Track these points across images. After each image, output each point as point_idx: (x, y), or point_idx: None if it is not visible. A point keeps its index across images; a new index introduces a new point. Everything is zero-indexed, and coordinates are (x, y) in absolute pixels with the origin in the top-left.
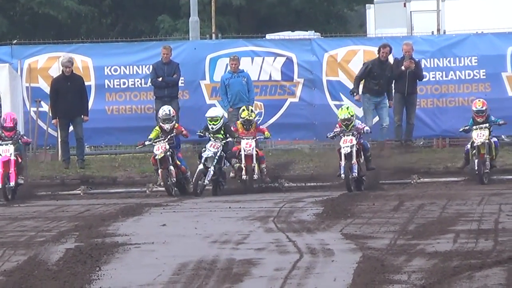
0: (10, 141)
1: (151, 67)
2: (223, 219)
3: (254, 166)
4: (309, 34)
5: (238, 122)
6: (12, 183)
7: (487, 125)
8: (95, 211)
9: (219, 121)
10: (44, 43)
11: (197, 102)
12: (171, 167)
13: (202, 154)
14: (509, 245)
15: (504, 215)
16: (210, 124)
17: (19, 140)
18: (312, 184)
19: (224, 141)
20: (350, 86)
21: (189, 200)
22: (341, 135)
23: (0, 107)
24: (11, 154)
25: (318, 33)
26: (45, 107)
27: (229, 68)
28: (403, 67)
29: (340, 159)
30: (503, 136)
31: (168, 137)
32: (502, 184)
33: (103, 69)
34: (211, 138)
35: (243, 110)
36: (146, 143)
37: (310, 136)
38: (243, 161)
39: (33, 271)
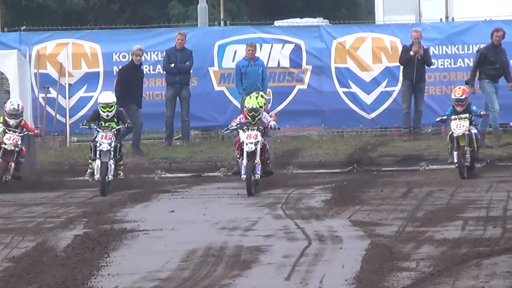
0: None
1: (164, 53)
2: (231, 205)
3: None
4: (318, 21)
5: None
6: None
7: (467, 115)
8: (103, 197)
9: (113, 107)
10: (52, 30)
11: (205, 88)
12: (12, 164)
13: (97, 149)
14: None
15: None
16: (103, 112)
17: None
18: (320, 171)
19: (115, 129)
20: (359, 73)
21: (198, 186)
22: (244, 128)
23: (8, 93)
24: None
25: (326, 20)
26: (54, 93)
27: (245, 54)
28: (411, 52)
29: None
30: (511, 123)
31: (23, 133)
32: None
33: (111, 55)
34: (99, 129)
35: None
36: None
37: (319, 123)
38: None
39: (42, 258)
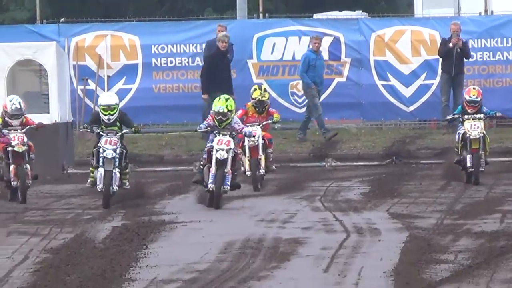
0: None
1: (204, 44)
2: (270, 197)
3: (260, 159)
4: (357, 14)
5: (249, 104)
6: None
7: (482, 116)
8: (142, 189)
9: (115, 109)
10: (91, 22)
11: (244, 81)
12: (28, 166)
13: (100, 155)
14: None
15: None
16: (105, 115)
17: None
18: (359, 163)
19: (120, 134)
20: (398, 66)
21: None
22: (215, 132)
23: (47, 85)
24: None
25: (365, 13)
26: (92, 85)
27: (311, 47)
28: (450, 44)
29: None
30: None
31: (25, 128)
32: None
33: (150, 47)
34: (103, 133)
35: (255, 89)
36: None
37: (357, 115)
38: (247, 154)
39: (80, 249)
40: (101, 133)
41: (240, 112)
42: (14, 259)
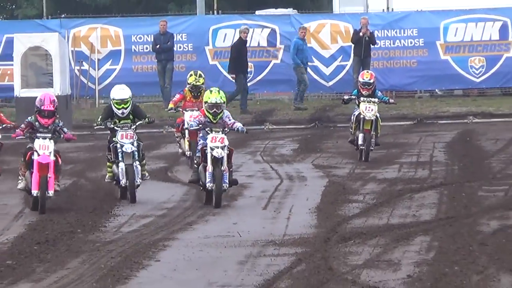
0: (49, 134)
1: (151, 37)
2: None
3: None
4: (289, 11)
5: (186, 89)
6: (51, 192)
7: (376, 100)
8: None
9: (129, 103)
10: (85, 17)
11: (202, 63)
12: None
13: (119, 150)
14: (440, 173)
15: (437, 151)
16: (118, 109)
17: (61, 135)
18: (290, 126)
19: (134, 126)
20: (320, 51)
21: None
22: (207, 130)
23: (51, 66)
24: (50, 153)
25: (295, 10)
26: (86, 66)
27: (299, 35)
28: (361, 34)
29: None
30: (436, 90)
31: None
32: (435, 126)
33: (130, 37)
34: (118, 128)
35: (190, 75)
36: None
37: (289, 89)
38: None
39: (76, 192)
40: (115, 127)
41: (178, 96)
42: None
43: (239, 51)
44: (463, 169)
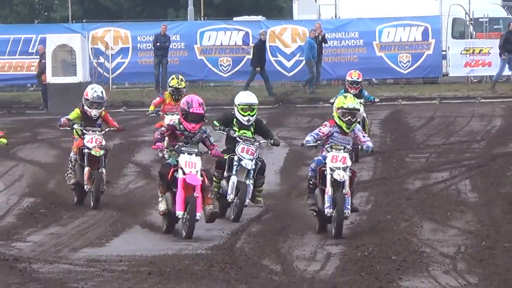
0: (196, 149)
1: (153, 36)
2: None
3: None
4: (259, 17)
5: (166, 92)
6: (199, 215)
7: (362, 100)
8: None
9: (255, 110)
10: (101, 22)
11: (192, 57)
12: (104, 171)
13: (235, 163)
14: (376, 144)
15: (373, 126)
16: (244, 115)
17: (208, 151)
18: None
19: (257, 143)
20: (283, 48)
21: None
22: (327, 147)
23: (75, 59)
24: (197, 172)
25: (264, 17)
26: (102, 60)
27: (310, 35)
28: (317, 34)
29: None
30: (373, 79)
31: (104, 130)
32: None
33: (136, 37)
34: (240, 138)
35: (172, 78)
36: (75, 126)
37: (260, 78)
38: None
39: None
40: (237, 138)
41: (158, 99)
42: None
43: (259, 49)
44: (394, 140)
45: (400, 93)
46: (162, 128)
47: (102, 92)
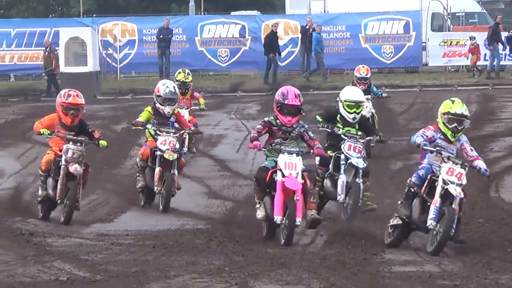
0: (295, 148)
1: (157, 29)
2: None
3: (185, 138)
4: (254, 12)
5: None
6: (299, 220)
7: (369, 96)
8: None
9: (361, 108)
10: (110, 16)
11: (193, 48)
12: (176, 173)
13: (342, 162)
14: None
15: None
16: (350, 113)
17: (310, 150)
18: (255, 94)
19: (363, 140)
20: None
21: None
22: (442, 152)
23: (85, 51)
24: (298, 174)
25: (259, 12)
26: (110, 51)
27: (316, 30)
28: (307, 26)
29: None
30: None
31: (179, 132)
32: None
33: (142, 30)
34: (345, 136)
35: (179, 72)
36: (148, 126)
37: (254, 67)
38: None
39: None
40: (342, 136)
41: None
42: None
43: (270, 39)
44: (378, 124)
45: (383, 81)
46: (258, 126)
47: (174, 87)
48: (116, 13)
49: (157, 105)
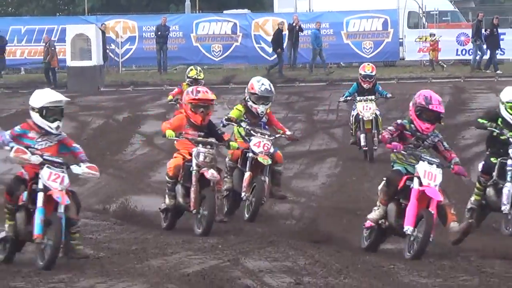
0: (437, 158)
1: (155, 27)
2: None
3: None
4: (245, 11)
5: (184, 83)
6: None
7: (373, 97)
8: (139, 98)
9: None
10: (112, 14)
11: (188, 44)
12: (267, 179)
13: (509, 167)
14: (343, 117)
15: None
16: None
17: (450, 165)
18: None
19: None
20: (265, 36)
21: None
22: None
23: (90, 46)
24: (436, 186)
25: (249, 10)
26: (113, 46)
27: (316, 27)
28: (294, 24)
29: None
30: (341, 63)
31: (274, 136)
32: (340, 86)
33: (142, 27)
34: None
35: (191, 69)
36: (243, 124)
37: (245, 61)
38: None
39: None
40: (511, 139)
41: (176, 90)
42: None
43: (277, 35)
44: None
45: None
46: (390, 127)
47: (270, 85)
48: (118, 11)
49: (250, 103)
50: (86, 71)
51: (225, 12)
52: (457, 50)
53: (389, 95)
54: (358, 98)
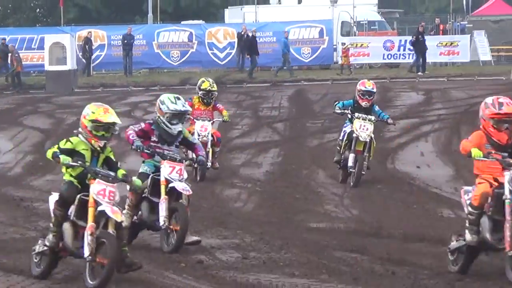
0: None
1: (122, 36)
2: None
3: (208, 152)
4: (200, 21)
5: (195, 97)
6: None
7: (373, 118)
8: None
9: None
10: (84, 25)
11: (150, 50)
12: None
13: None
14: (285, 113)
15: (283, 101)
16: None
17: None
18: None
19: None
20: (218, 44)
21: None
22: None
23: (65, 53)
24: None
25: (203, 21)
26: (84, 53)
27: (285, 36)
28: (243, 33)
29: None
30: (284, 67)
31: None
32: (282, 87)
33: (110, 36)
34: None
35: (203, 81)
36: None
37: (199, 65)
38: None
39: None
40: None
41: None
42: None
43: (250, 42)
44: (298, 110)
45: (302, 76)
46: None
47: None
48: (90, 22)
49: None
50: (62, 74)
51: (182, 22)
52: (383, 54)
53: (390, 121)
54: (356, 115)
